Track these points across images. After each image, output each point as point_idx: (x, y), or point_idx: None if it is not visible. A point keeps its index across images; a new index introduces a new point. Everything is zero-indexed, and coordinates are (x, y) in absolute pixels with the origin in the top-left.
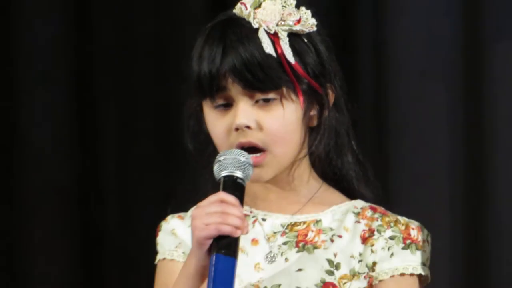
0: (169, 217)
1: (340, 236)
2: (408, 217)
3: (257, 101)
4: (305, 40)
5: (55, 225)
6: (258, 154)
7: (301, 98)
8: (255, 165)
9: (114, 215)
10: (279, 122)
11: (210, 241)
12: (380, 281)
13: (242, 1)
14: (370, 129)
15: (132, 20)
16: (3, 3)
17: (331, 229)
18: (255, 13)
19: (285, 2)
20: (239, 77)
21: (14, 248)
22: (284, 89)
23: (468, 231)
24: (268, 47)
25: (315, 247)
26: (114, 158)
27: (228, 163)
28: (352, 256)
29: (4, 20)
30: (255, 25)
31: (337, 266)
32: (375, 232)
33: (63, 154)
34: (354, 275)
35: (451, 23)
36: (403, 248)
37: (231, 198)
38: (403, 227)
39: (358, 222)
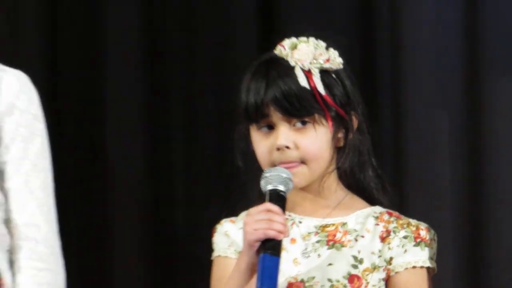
0: (223, 221)
1: (362, 236)
2: (418, 219)
3: (294, 125)
4: (333, 76)
5: (132, 228)
6: (293, 164)
7: (330, 123)
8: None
9: (182, 220)
10: (312, 142)
11: (258, 243)
12: (396, 272)
13: (282, 44)
14: (388, 149)
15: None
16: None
17: (355, 230)
18: (292, 53)
19: (316, 44)
20: (279, 106)
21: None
22: (316, 116)
23: (467, 233)
24: (303, 81)
25: (342, 246)
26: (183, 170)
27: (273, 179)
28: (372, 253)
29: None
30: (292, 63)
31: (361, 261)
32: (391, 233)
33: (138, 166)
34: (374, 268)
35: (454, 58)
36: (414, 246)
37: (275, 208)
38: (414, 228)
39: (377, 224)
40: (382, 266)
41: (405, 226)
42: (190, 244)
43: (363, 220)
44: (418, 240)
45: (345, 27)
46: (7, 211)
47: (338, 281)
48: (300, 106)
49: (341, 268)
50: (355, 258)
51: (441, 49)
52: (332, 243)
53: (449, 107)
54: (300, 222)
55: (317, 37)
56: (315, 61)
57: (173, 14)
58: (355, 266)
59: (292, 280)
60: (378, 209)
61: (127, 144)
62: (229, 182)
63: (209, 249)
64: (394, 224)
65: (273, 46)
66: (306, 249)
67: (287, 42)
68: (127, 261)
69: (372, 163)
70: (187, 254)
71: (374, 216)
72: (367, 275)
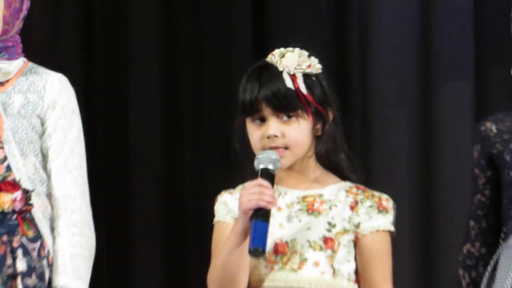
0: (222, 192)
1: (336, 206)
2: (380, 192)
3: (281, 119)
4: (314, 79)
5: (150, 199)
6: (280, 150)
7: (311, 117)
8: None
9: (192, 196)
10: (296, 132)
11: (251, 211)
12: (363, 235)
13: (272, 53)
14: (357, 137)
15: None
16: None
17: (330, 201)
18: (280, 60)
19: (300, 53)
20: (270, 103)
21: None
22: (299, 111)
23: (419, 203)
24: (289, 83)
25: (319, 213)
26: (194, 154)
27: (264, 159)
28: (344, 219)
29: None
30: (280, 69)
31: (334, 226)
32: (359, 203)
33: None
34: (345, 231)
35: (411, 66)
36: (378, 213)
37: (266, 183)
38: (377, 199)
39: (348, 196)
40: (351, 230)
41: (370, 197)
42: (196, 210)
43: (336, 193)
44: (381, 208)
45: (323, 40)
46: (49, 186)
47: (315, 242)
48: (286, 104)
49: (318, 231)
50: (329, 223)
51: (400, 58)
52: (311, 211)
53: (407, 105)
54: (285, 194)
55: (301, 47)
56: (299, 67)
57: (185, 27)
58: (329, 230)
59: (278, 241)
60: (348, 184)
61: (147, 133)
62: (230, 163)
63: (212, 215)
64: (361, 196)
65: (265, 54)
66: (289, 215)
67: (276, 52)
68: (146, 223)
69: (344, 148)
70: (194, 219)
71: (345, 190)
72: (339, 237)
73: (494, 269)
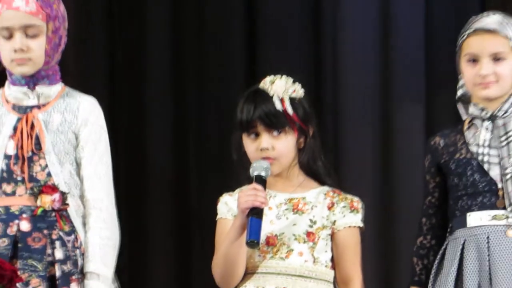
0: (224, 194)
1: (316, 206)
2: (352, 195)
3: (272, 134)
4: (297, 101)
5: (163, 198)
6: (271, 160)
7: (296, 133)
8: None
9: (197, 195)
10: (284, 145)
11: (248, 210)
12: (338, 230)
13: (264, 80)
14: (331, 149)
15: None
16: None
17: (311, 202)
18: (271, 86)
19: (287, 80)
20: (263, 122)
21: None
22: (287, 128)
23: (380, 205)
24: (278, 106)
25: (303, 212)
26: (198, 162)
27: (258, 168)
28: (322, 217)
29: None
30: (271, 93)
31: (315, 222)
32: (335, 204)
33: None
34: (324, 227)
35: (373, 89)
36: (350, 212)
37: (259, 187)
38: (350, 201)
39: (325, 198)
40: (329, 226)
41: (343, 199)
42: (200, 208)
43: (316, 196)
44: (352, 208)
45: (303, 69)
46: (81, 189)
47: (299, 235)
48: (276, 122)
49: (301, 227)
50: (311, 220)
51: (364, 81)
52: (296, 210)
53: (370, 122)
54: (275, 196)
55: (287, 75)
56: (286, 91)
57: (192, 61)
58: (311, 226)
59: (269, 235)
60: (326, 188)
61: (159, 148)
62: (231, 170)
63: (214, 214)
64: (337, 198)
65: (258, 81)
66: (278, 214)
67: (267, 79)
68: (159, 220)
69: (321, 157)
70: (198, 216)
71: (323, 193)
72: (319, 232)
73: (442, 257)
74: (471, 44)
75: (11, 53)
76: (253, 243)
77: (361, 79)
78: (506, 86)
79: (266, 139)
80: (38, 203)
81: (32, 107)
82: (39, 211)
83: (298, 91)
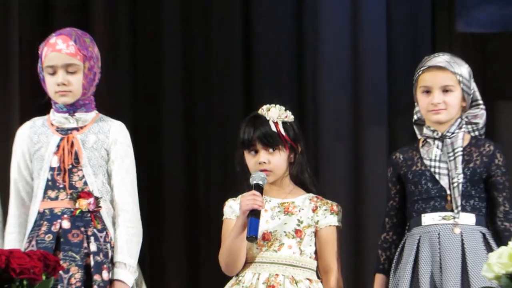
0: (229, 199)
1: (303, 209)
2: (332, 200)
3: (268, 151)
4: (289, 124)
5: (178, 205)
6: (267, 171)
7: (287, 150)
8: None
9: (205, 200)
10: (278, 160)
11: (248, 212)
12: (321, 229)
13: (262, 107)
14: (312, 162)
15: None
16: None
17: (299, 206)
18: (267, 113)
19: (280, 108)
20: (261, 141)
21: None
22: (280, 146)
23: (352, 210)
24: (273, 128)
25: (292, 214)
26: (206, 174)
27: (256, 178)
28: (308, 218)
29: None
30: (267, 118)
31: (302, 222)
32: (318, 207)
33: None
34: (309, 226)
35: (346, 112)
36: (330, 214)
37: (257, 193)
38: (330, 205)
39: (311, 203)
40: (313, 225)
41: (325, 204)
42: (208, 211)
43: (303, 201)
44: (332, 211)
45: (291, 99)
46: (111, 195)
47: (289, 232)
48: (272, 141)
49: (291, 225)
50: (298, 220)
51: (339, 106)
52: (287, 212)
53: (344, 141)
54: (270, 201)
55: (280, 104)
56: (279, 117)
57: (200, 91)
58: (298, 225)
59: (265, 232)
60: (311, 195)
61: (172, 163)
62: (234, 179)
63: (220, 215)
64: (320, 203)
65: (256, 108)
66: (272, 215)
67: (264, 107)
68: (173, 222)
69: (307, 170)
70: (207, 218)
71: (309, 199)
72: (305, 229)
73: (402, 250)
74: (425, 78)
75: (55, 86)
76: (252, 238)
77: (335, 105)
78: (453, 112)
79: (263, 155)
80: (77, 205)
81: (72, 129)
82: (77, 212)
83: (289, 116)
